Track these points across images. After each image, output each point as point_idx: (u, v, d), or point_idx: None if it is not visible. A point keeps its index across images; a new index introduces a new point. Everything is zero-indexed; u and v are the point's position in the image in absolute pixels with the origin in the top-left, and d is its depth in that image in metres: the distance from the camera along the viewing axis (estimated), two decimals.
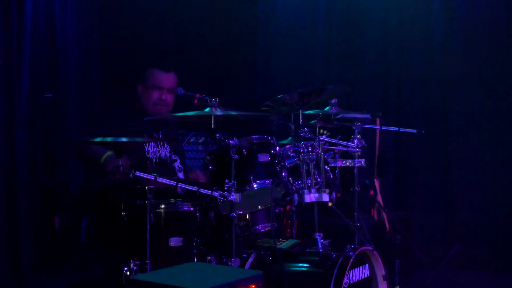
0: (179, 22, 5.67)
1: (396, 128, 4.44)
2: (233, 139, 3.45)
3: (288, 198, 3.60)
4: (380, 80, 5.94)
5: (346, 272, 3.32)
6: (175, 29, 5.67)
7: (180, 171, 4.37)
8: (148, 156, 4.24)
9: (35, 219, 4.49)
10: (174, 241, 3.52)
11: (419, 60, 5.79)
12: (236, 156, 3.42)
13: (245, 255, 3.62)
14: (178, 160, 4.40)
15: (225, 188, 3.36)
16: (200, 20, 5.81)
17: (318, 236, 3.63)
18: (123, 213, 3.58)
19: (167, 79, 4.31)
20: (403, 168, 5.82)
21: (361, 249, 3.50)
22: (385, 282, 3.68)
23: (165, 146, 4.35)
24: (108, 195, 3.91)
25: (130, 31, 5.44)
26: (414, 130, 4.44)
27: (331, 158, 3.94)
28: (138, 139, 3.64)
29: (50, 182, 4.65)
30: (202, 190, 3.34)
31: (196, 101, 4.24)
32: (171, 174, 4.26)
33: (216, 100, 3.50)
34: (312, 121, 4.12)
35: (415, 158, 5.81)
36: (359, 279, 3.52)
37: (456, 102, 5.70)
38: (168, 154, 4.34)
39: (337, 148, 3.92)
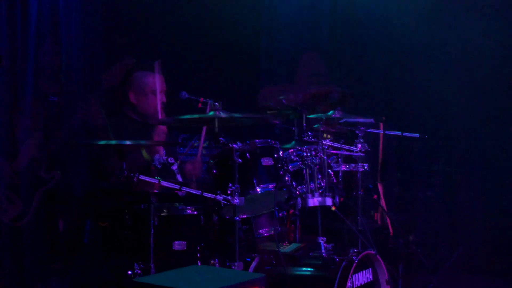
0: (182, 26, 5.66)
1: (399, 133, 4.42)
2: (236, 143, 3.46)
3: (291, 202, 3.61)
4: (383, 84, 5.94)
5: (349, 276, 3.32)
6: (178, 32, 5.66)
7: (178, 173, 4.37)
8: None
9: (38, 222, 4.49)
10: (178, 245, 3.53)
11: (421, 65, 5.80)
12: (240, 160, 3.43)
13: (249, 259, 3.62)
14: (176, 164, 4.40)
15: (229, 192, 3.37)
16: (203, 23, 5.79)
17: (321, 240, 3.64)
18: (127, 216, 3.60)
19: (160, 80, 4.26)
20: (406, 172, 5.82)
21: (364, 253, 3.51)
22: (388, 286, 3.68)
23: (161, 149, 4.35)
24: (112, 198, 3.92)
25: (134, 33, 5.43)
26: (417, 135, 4.43)
27: (334, 163, 3.95)
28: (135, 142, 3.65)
29: (54, 185, 4.65)
30: (205, 194, 3.35)
31: (200, 105, 4.24)
32: (171, 177, 4.26)
33: (219, 103, 3.51)
34: (316, 125, 4.12)
35: (418, 162, 5.81)
36: (362, 283, 3.52)
37: (459, 106, 5.70)
38: (165, 158, 4.35)
39: (340, 152, 3.93)
